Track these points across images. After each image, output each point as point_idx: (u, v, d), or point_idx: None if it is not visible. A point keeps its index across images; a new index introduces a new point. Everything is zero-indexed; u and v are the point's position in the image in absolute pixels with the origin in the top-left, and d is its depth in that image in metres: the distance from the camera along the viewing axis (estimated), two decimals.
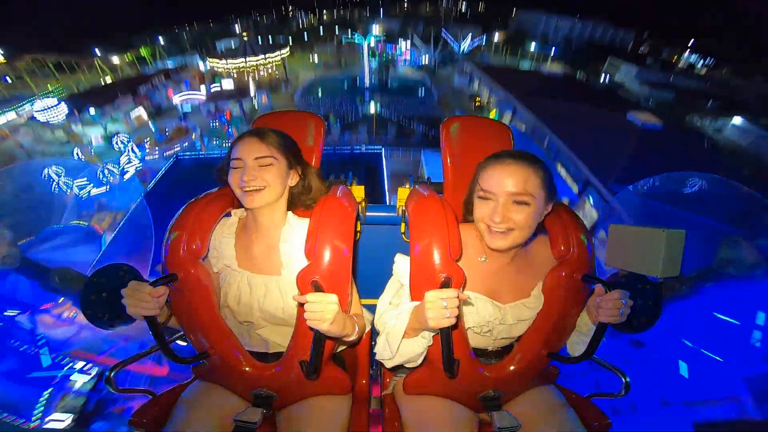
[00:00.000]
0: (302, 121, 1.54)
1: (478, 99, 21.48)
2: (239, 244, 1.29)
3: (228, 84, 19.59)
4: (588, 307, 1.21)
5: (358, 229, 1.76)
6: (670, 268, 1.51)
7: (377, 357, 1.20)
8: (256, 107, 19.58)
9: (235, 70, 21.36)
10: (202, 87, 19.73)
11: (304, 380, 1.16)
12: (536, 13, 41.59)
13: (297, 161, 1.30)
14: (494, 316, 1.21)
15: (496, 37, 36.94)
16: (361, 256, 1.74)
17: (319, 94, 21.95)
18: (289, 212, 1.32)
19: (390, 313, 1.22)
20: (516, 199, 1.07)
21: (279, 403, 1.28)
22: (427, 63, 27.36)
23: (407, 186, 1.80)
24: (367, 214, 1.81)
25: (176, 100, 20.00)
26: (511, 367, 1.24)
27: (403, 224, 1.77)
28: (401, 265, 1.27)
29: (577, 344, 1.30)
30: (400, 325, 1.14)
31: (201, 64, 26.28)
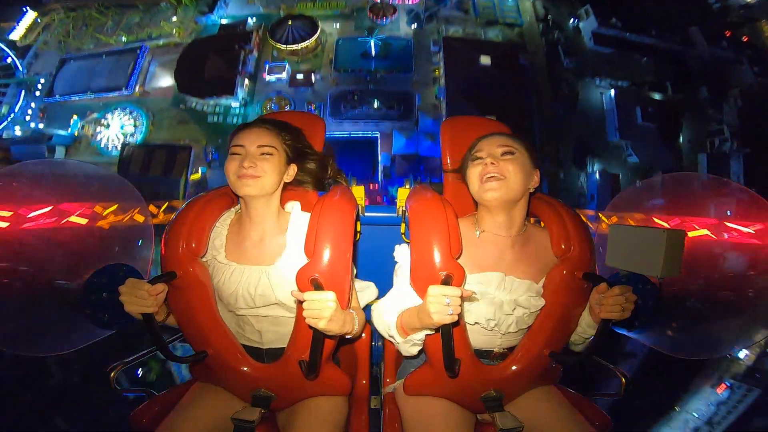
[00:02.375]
0: (303, 121, 1.54)
1: (437, 70, 22.53)
2: (231, 237, 1.30)
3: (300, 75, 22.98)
4: (590, 305, 1.21)
5: (358, 229, 1.76)
6: (671, 269, 1.51)
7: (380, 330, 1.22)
8: None
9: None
10: (283, 72, 23.01)
11: (304, 380, 1.16)
12: None
13: (296, 156, 1.31)
14: (502, 296, 1.21)
15: None
16: (361, 256, 1.73)
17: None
18: (295, 202, 1.34)
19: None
20: (503, 150, 1.20)
21: (278, 403, 1.27)
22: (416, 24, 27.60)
23: (407, 186, 1.80)
24: (367, 214, 1.82)
25: (268, 77, 23.23)
26: (513, 367, 1.24)
27: (403, 224, 1.77)
28: (402, 253, 1.30)
29: (578, 344, 1.30)
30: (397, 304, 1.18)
31: None
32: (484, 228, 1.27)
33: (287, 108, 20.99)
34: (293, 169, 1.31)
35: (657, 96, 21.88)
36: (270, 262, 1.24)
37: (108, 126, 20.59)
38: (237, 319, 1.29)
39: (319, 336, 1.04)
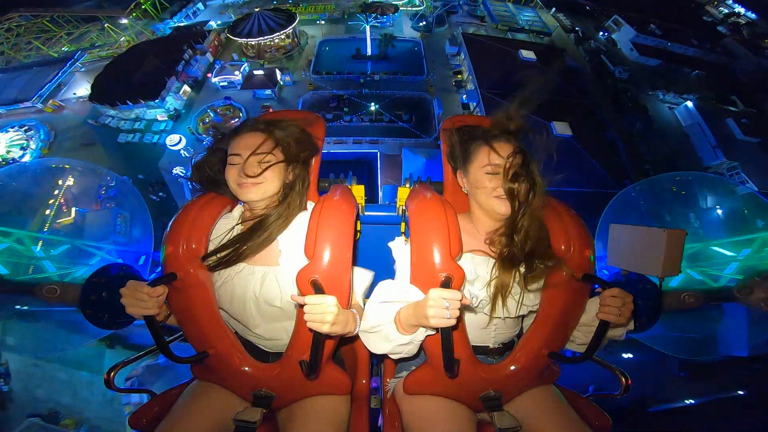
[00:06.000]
0: (304, 121, 1.53)
1: (459, 75, 19.64)
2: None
3: (259, 72, 19.16)
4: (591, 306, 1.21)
5: (358, 228, 1.75)
6: (671, 268, 1.51)
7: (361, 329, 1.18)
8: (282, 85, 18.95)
9: (253, 48, 21.04)
10: (236, 72, 19.00)
11: (304, 380, 1.16)
12: None
13: (296, 159, 1.29)
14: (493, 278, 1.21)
15: None
16: (361, 256, 1.73)
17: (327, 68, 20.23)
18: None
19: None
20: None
21: (279, 403, 1.28)
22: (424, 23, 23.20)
23: (407, 186, 1.80)
24: (367, 213, 1.81)
25: (215, 80, 19.37)
26: (512, 367, 1.24)
27: (403, 224, 1.77)
28: (398, 249, 1.31)
29: (578, 344, 1.30)
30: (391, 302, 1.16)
31: (214, 23, 24.30)
32: (478, 226, 1.31)
33: (235, 121, 16.81)
34: (294, 169, 1.29)
35: (733, 109, 18.42)
36: (276, 263, 1.25)
37: None
38: (243, 319, 1.30)
39: (319, 337, 1.04)
